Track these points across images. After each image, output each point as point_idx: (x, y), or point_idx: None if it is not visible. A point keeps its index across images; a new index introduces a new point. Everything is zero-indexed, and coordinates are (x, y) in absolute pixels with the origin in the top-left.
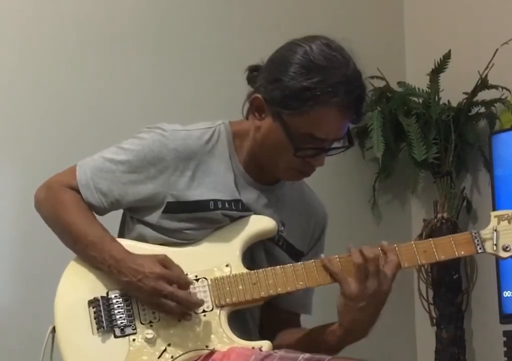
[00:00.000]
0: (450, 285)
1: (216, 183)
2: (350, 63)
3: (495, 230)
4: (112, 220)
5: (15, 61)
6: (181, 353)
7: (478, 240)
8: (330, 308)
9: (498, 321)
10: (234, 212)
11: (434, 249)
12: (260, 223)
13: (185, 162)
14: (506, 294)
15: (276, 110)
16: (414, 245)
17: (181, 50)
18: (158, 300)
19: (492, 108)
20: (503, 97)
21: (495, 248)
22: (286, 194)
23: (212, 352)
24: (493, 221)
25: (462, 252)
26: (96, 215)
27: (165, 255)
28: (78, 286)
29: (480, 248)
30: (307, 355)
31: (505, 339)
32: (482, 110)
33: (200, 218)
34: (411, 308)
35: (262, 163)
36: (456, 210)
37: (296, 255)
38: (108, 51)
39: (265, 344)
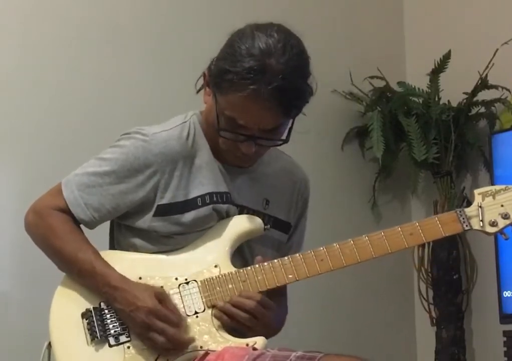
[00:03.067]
0: (450, 285)
1: (201, 178)
2: (284, 56)
3: (480, 206)
4: (103, 228)
5: (15, 61)
6: (177, 356)
7: (463, 218)
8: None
9: (498, 321)
10: (220, 205)
11: (420, 231)
12: (245, 223)
13: (172, 164)
14: (506, 294)
15: (212, 87)
16: (399, 229)
17: (181, 50)
18: (147, 334)
19: (492, 108)
20: (503, 97)
21: (481, 225)
22: (266, 170)
23: (207, 353)
24: (478, 198)
25: (449, 232)
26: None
27: (163, 290)
28: (71, 301)
29: (466, 226)
30: (299, 353)
31: (505, 339)
32: (482, 110)
33: (192, 218)
34: (411, 308)
35: (214, 144)
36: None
37: (284, 227)
38: (108, 51)
39: (259, 340)
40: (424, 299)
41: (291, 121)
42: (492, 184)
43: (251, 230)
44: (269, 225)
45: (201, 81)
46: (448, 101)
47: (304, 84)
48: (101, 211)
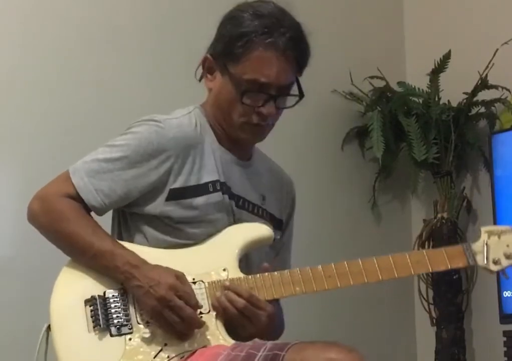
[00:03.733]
0: (450, 285)
1: (211, 164)
2: (286, 13)
3: (486, 244)
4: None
5: (15, 61)
6: (177, 353)
7: (469, 253)
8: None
9: (498, 321)
10: (225, 194)
11: (427, 260)
12: (257, 231)
13: (185, 149)
14: (506, 294)
15: (222, 63)
16: (407, 256)
17: (181, 50)
18: (163, 310)
19: (492, 108)
20: (503, 97)
21: (485, 262)
22: (260, 167)
23: (196, 350)
24: (484, 236)
25: (454, 264)
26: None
27: (183, 274)
28: (74, 285)
29: (471, 261)
30: (277, 341)
31: (505, 339)
32: (482, 110)
33: (203, 203)
34: (411, 308)
35: (223, 126)
36: (456, 210)
37: (279, 224)
38: (108, 51)
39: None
40: (424, 299)
41: (295, 79)
42: (492, 184)
43: (262, 239)
44: (279, 236)
45: (200, 72)
46: (448, 101)
47: (307, 40)
48: (112, 197)
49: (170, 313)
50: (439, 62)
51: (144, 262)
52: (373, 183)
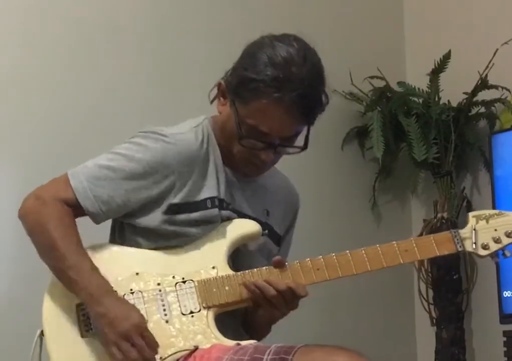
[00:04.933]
0: (450, 285)
1: (212, 181)
2: (306, 65)
3: (474, 229)
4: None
5: (15, 61)
6: (170, 353)
7: (457, 239)
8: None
9: (498, 321)
10: (224, 211)
11: (416, 248)
12: (245, 227)
13: (189, 166)
14: (506, 294)
15: (232, 97)
16: (395, 245)
17: (181, 50)
18: (122, 344)
19: (492, 108)
20: (503, 97)
21: (474, 247)
22: (266, 182)
23: (195, 349)
24: (472, 221)
25: (443, 251)
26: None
27: (145, 320)
28: (65, 293)
29: (460, 247)
30: (280, 344)
31: (505, 339)
32: (482, 110)
33: (199, 216)
34: (411, 308)
35: (226, 151)
36: (456, 210)
37: (277, 239)
38: (108, 51)
39: (252, 342)
40: (424, 299)
41: (306, 128)
42: (492, 184)
43: (250, 234)
44: (267, 231)
45: (214, 92)
46: (448, 101)
47: (323, 92)
48: (110, 205)
49: (131, 349)
50: (439, 62)
51: (114, 292)
52: (373, 183)
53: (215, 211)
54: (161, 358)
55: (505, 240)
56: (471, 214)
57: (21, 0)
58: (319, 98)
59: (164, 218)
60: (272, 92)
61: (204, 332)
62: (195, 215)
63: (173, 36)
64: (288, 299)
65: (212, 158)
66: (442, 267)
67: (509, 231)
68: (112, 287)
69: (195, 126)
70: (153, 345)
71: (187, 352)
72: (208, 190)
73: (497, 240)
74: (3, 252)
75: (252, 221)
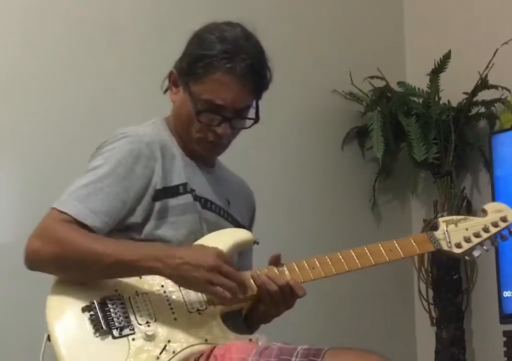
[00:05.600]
0: (450, 285)
1: (177, 168)
2: (252, 40)
3: (446, 231)
4: None
5: (15, 61)
6: (183, 347)
7: (433, 239)
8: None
9: (498, 321)
10: (194, 195)
11: (398, 248)
12: (237, 235)
13: (160, 150)
14: (506, 294)
15: (185, 80)
16: (380, 245)
17: (182, 51)
18: (216, 278)
19: (492, 108)
20: (503, 97)
21: (449, 245)
22: (223, 175)
23: (213, 348)
24: (442, 225)
25: (423, 250)
26: None
27: (221, 250)
28: (68, 297)
29: (437, 245)
30: (305, 346)
31: (505, 339)
32: (482, 110)
33: (175, 205)
34: (411, 308)
35: (183, 138)
36: (456, 210)
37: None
38: (108, 51)
39: (261, 337)
40: (424, 299)
41: (255, 103)
42: (492, 184)
43: (245, 242)
44: (258, 240)
45: (167, 83)
46: (448, 101)
47: (268, 67)
48: (111, 213)
49: (225, 279)
50: (439, 62)
51: (172, 245)
52: (373, 183)
53: (189, 197)
54: (174, 352)
55: (475, 240)
56: (440, 219)
57: (21, 0)
58: (267, 71)
59: (155, 205)
60: (224, 64)
61: (212, 328)
62: (172, 201)
63: (173, 36)
64: (287, 296)
65: (170, 147)
66: (442, 267)
67: (477, 233)
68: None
69: (151, 123)
70: (237, 276)
71: (203, 348)
72: (178, 177)
73: (467, 240)
74: (3, 252)
75: (244, 230)
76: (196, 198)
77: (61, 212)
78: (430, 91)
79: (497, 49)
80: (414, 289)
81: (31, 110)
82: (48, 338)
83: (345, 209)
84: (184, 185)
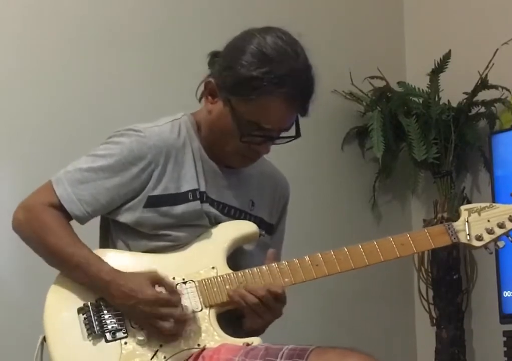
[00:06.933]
0: (450, 285)
1: (192, 173)
2: (300, 58)
3: (467, 221)
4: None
5: (15, 61)
6: (174, 352)
7: (452, 231)
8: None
9: (498, 321)
10: (207, 203)
11: (411, 242)
12: (242, 228)
13: (165, 156)
14: (506, 294)
15: (227, 96)
16: (391, 239)
17: (181, 50)
18: (155, 323)
19: (492, 108)
20: (503, 97)
21: (468, 238)
22: (251, 173)
23: (203, 349)
24: (464, 214)
25: (438, 243)
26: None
27: (155, 272)
28: (66, 297)
29: (454, 238)
30: (291, 346)
31: (505, 339)
32: (482, 110)
33: (182, 211)
34: (411, 308)
35: (213, 149)
36: (456, 210)
37: (269, 229)
38: (108, 51)
39: (256, 340)
40: (424, 299)
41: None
42: (492, 184)
43: (248, 235)
44: (264, 232)
45: (201, 90)
46: (448, 101)
47: (314, 81)
48: (95, 206)
49: (163, 323)
50: (439, 62)
51: (117, 274)
52: (373, 183)
53: (198, 204)
54: (165, 357)
55: (498, 231)
56: (462, 207)
57: (21, 0)
58: (314, 88)
59: (144, 212)
60: (273, 88)
61: (207, 330)
62: (178, 208)
63: (173, 36)
64: (270, 304)
65: (190, 149)
66: (442, 267)
67: (501, 223)
68: (111, 271)
69: (171, 120)
70: (177, 302)
71: (195, 351)
72: (188, 183)
73: (490, 231)
74: (3, 252)
75: (249, 222)
76: (213, 204)
77: (53, 191)
78: (430, 91)
79: (497, 49)
80: (414, 289)
81: (32, 110)
82: (44, 339)
83: (345, 209)
84: (194, 191)
